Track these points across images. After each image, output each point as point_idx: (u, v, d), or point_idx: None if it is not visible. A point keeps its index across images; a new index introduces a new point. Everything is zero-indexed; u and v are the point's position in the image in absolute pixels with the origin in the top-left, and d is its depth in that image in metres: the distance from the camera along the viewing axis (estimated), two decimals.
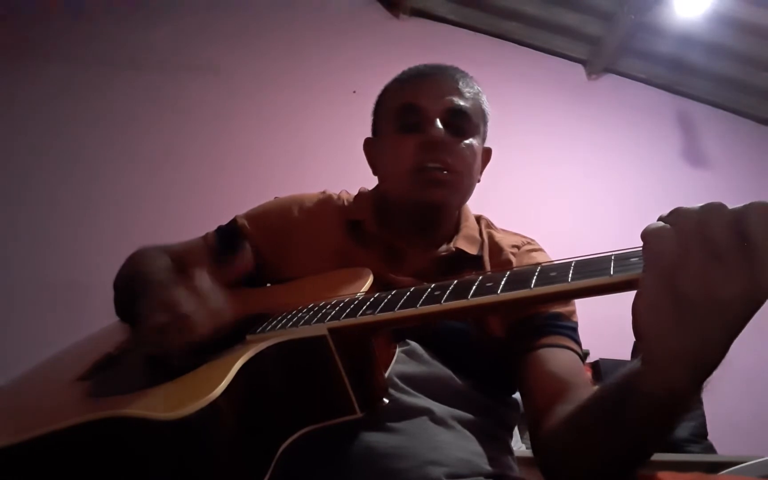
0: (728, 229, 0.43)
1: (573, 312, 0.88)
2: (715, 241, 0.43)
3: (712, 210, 0.44)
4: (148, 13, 2.59)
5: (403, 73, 1.02)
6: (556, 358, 0.81)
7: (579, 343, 0.86)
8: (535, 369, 0.81)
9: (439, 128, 0.91)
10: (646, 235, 0.46)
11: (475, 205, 1.04)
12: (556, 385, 0.76)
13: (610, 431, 0.59)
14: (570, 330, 0.85)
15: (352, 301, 0.65)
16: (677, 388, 0.49)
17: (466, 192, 0.98)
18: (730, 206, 0.44)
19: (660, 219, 0.47)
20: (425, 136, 0.91)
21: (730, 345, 0.46)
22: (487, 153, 1.04)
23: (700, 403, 2.45)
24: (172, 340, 0.63)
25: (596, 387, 0.67)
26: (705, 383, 0.50)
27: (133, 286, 0.82)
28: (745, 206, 0.43)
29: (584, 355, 0.88)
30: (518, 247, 0.97)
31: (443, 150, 0.91)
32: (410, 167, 0.91)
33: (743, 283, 0.43)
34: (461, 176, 0.93)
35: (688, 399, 0.51)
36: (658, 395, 0.50)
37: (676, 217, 0.46)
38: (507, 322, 0.87)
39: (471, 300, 0.55)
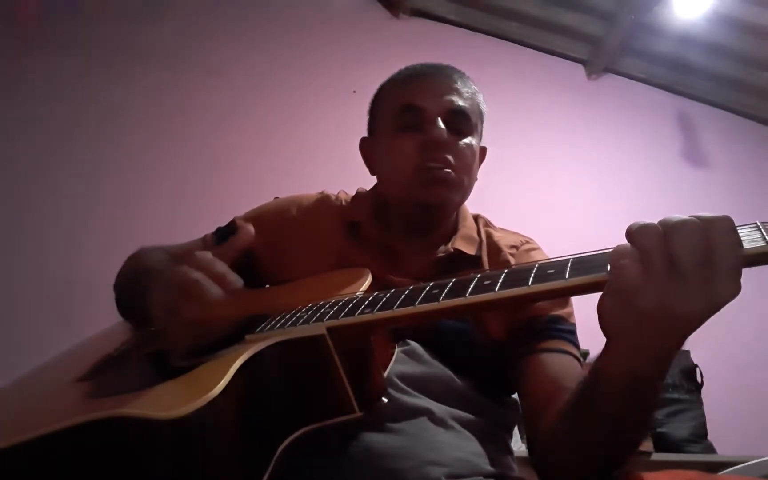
0: (691, 248, 0.45)
1: (571, 313, 0.89)
2: (678, 260, 0.45)
3: (676, 229, 0.46)
4: (149, 12, 2.59)
5: (399, 72, 1.02)
6: (555, 363, 0.81)
7: (578, 346, 0.86)
8: (533, 373, 0.81)
9: (441, 128, 0.91)
10: (611, 255, 0.49)
11: (474, 204, 1.04)
12: (553, 390, 0.76)
13: (587, 418, 0.61)
14: (569, 333, 0.85)
15: (350, 301, 0.65)
16: (640, 371, 0.53)
17: (466, 191, 0.98)
18: (709, 214, 0.46)
19: (627, 233, 0.48)
20: (427, 136, 0.91)
21: (688, 337, 0.50)
22: (483, 152, 1.04)
23: (700, 403, 2.45)
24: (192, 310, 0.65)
25: None
26: (667, 366, 0.54)
27: (138, 282, 0.81)
28: (710, 221, 0.45)
29: (584, 355, 0.89)
30: (516, 247, 0.97)
31: (445, 149, 0.91)
32: (412, 167, 0.91)
33: (702, 301, 0.45)
34: (462, 175, 0.93)
35: (653, 381, 0.55)
36: (623, 379, 0.54)
37: (640, 235, 0.47)
38: (507, 323, 0.87)
39: (469, 298, 0.55)
